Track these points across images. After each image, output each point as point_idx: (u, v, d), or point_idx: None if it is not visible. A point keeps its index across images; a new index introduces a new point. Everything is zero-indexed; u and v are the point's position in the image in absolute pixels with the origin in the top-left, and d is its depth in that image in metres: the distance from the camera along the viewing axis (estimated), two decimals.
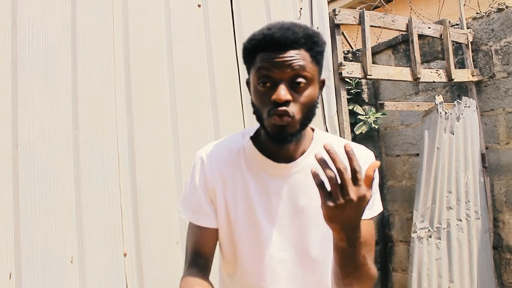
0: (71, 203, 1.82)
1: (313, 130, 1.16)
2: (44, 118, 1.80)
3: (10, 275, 1.65)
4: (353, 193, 0.82)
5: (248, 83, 1.10)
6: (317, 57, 1.03)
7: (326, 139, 1.14)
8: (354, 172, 0.83)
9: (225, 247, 1.16)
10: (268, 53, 0.99)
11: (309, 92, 1.01)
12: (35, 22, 1.84)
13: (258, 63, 1.01)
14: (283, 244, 1.10)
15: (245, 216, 1.11)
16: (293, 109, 0.99)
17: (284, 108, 0.97)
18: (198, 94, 2.23)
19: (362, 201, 0.84)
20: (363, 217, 1.01)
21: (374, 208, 1.13)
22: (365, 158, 1.11)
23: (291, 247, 1.10)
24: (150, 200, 2.00)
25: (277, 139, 1.03)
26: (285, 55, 0.98)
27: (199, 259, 1.11)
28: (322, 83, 1.11)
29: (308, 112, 1.03)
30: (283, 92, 0.97)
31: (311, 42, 1.01)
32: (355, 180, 0.83)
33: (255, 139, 1.13)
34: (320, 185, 0.84)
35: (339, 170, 0.82)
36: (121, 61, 2.04)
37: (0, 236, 1.65)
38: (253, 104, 1.06)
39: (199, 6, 2.32)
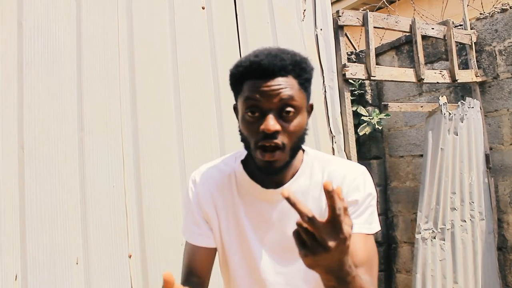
0: (76, 204, 1.82)
1: (303, 151, 1.13)
2: (49, 120, 1.81)
3: (16, 276, 1.65)
4: (331, 239, 0.73)
5: (235, 108, 1.08)
6: (305, 84, 1.01)
7: (316, 161, 1.11)
8: (334, 212, 0.72)
9: (222, 270, 1.17)
10: (256, 81, 0.97)
11: (298, 121, 0.99)
12: (40, 24, 1.84)
13: (245, 92, 0.99)
14: (276, 268, 1.09)
15: (237, 241, 1.11)
16: (283, 140, 0.97)
17: (274, 141, 0.95)
18: (202, 96, 2.23)
19: (343, 244, 0.75)
20: (360, 231, 1.01)
21: (374, 223, 1.06)
22: (356, 182, 1.07)
23: (284, 269, 1.08)
24: (155, 201, 2.01)
25: (266, 173, 1.01)
26: (273, 83, 0.96)
27: (191, 277, 1.11)
28: (310, 108, 1.09)
29: (298, 140, 1.01)
30: (271, 122, 0.94)
31: (299, 69, 0.99)
32: (335, 222, 0.73)
33: (246, 162, 1.12)
34: (294, 234, 0.77)
35: (306, 221, 0.73)
36: (126, 64, 2.04)
37: (6, 237, 1.65)
38: (240, 132, 1.04)
39: (203, 8, 2.33)
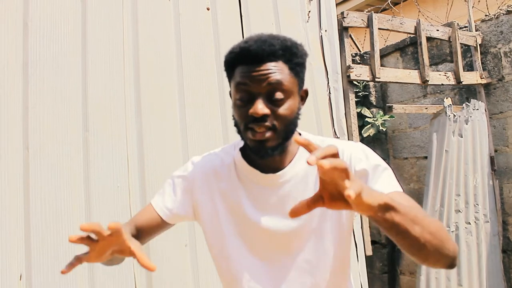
0: (81, 205, 1.83)
1: (300, 134, 1.13)
2: (54, 120, 1.82)
3: (20, 276, 1.66)
4: (342, 164, 0.70)
5: (231, 94, 1.10)
6: (296, 69, 1.02)
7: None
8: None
9: (219, 263, 1.16)
10: (246, 67, 0.99)
11: (288, 105, 1.00)
12: (46, 25, 1.85)
13: (236, 78, 1.01)
14: (276, 250, 1.10)
15: (238, 225, 1.11)
16: (273, 122, 0.98)
17: (262, 123, 0.97)
18: (207, 96, 2.23)
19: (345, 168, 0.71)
20: (391, 190, 0.96)
21: (397, 186, 1.01)
22: (357, 154, 1.06)
23: (287, 253, 1.10)
24: None
25: (258, 154, 1.02)
26: (261, 68, 0.97)
27: (134, 230, 1.12)
28: (305, 94, 1.09)
29: (289, 124, 1.01)
30: (260, 106, 0.96)
31: (289, 54, 1.00)
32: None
33: (245, 150, 1.13)
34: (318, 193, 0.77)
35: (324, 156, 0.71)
36: (131, 64, 2.05)
37: (11, 238, 1.66)
38: (233, 117, 1.06)
39: (208, 9, 2.33)
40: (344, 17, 2.85)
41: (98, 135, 1.91)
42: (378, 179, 1.02)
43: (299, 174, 1.09)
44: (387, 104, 3.70)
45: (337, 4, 3.07)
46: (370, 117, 3.74)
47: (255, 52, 0.97)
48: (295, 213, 0.77)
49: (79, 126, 1.87)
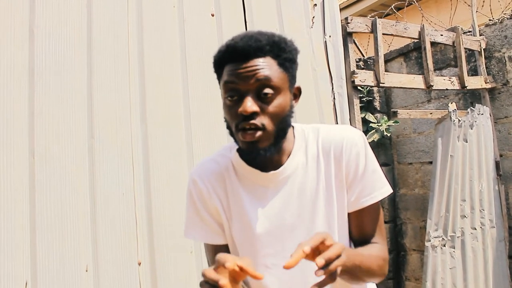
0: (86, 212, 1.83)
1: (293, 127, 1.12)
2: (60, 127, 1.82)
3: (26, 283, 1.65)
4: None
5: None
6: (285, 64, 1.00)
7: (308, 133, 1.12)
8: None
9: None
10: (233, 64, 0.97)
11: (279, 102, 0.98)
12: (52, 32, 1.86)
13: (224, 77, 0.99)
14: (285, 253, 1.07)
15: (244, 230, 1.10)
16: (263, 121, 0.96)
17: (252, 121, 0.95)
18: (212, 103, 2.23)
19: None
20: (367, 203, 1.07)
21: (384, 187, 1.10)
22: (356, 149, 1.09)
23: (285, 251, 1.07)
24: (165, 209, 2.00)
25: (251, 155, 1.00)
26: (248, 64, 0.95)
27: None
28: (298, 92, 1.08)
29: (280, 122, 0.99)
30: (249, 104, 0.94)
31: (277, 49, 0.98)
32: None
33: (241, 150, 1.10)
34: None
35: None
36: (136, 71, 2.05)
37: (17, 245, 1.66)
38: (225, 119, 1.04)
39: (212, 15, 2.34)
40: (348, 23, 2.85)
41: (104, 142, 1.91)
42: (366, 183, 1.08)
43: (299, 167, 1.08)
44: (391, 109, 3.70)
45: (340, 10, 3.07)
46: (375, 122, 3.74)
47: (241, 48, 0.96)
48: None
49: (84, 133, 1.87)
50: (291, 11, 2.63)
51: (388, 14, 5.08)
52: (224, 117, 1.04)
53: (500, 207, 3.32)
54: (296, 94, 1.08)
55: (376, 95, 4.02)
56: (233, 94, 0.98)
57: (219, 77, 1.04)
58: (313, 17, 2.72)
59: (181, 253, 2.01)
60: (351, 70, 2.83)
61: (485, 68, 3.52)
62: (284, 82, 1.00)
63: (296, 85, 1.07)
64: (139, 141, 2.00)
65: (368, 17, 3.23)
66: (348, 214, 1.10)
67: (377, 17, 3.10)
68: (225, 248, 1.14)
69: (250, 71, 0.95)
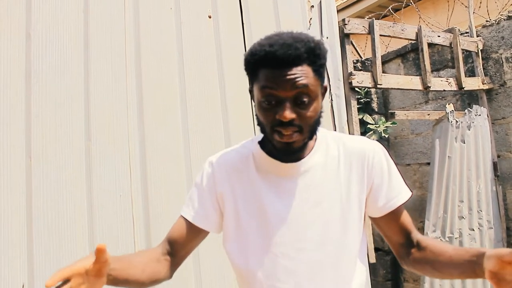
0: (83, 213, 1.82)
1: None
2: (57, 129, 1.82)
3: (23, 285, 1.65)
4: None
5: (251, 91, 1.11)
6: (319, 71, 1.04)
7: (329, 137, 1.18)
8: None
9: (233, 255, 1.16)
10: (271, 71, 0.99)
11: (314, 107, 1.02)
12: (48, 35, 1.86)
13: (262, 81, 1.01)
14: (298, 243, 1.10)
15: (257, 218, 1.13)
16: (299, 123, 1.01)
17: (289, 128, 0.99)
18: (209, 105, 2.23)
19: None
20: (400, 203, 1.16)
21: (407, 189, 1.19)
22: (378, 155, 1.16)
23: (307, 244, 1.10)
24: (162, 211, 2.00)
25: (285, 154, 1.06)
26: (288, 72, 0.98)
27: (167, 245, 1.16)
28: (324, 90, 1.11)
29: (314, 123, 1.05)
30: (287, 112, 0.98)
31: (313, 56, 1.01)
32: None
33: (263, 143, 1.15)
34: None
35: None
36: (133, 73, 2.05)
37: (13, 247, 1.65)
38: (257, 116, 1.08)
39: (209, 17, 2.34)
40: (346, 24, 2.86)
41: (100, 144, 1.91)
42: (394, 185, 1.16)
43: (319, 164, 1.13)
44: (389, 111, 3.70)
45: (337, 11, 3.07)
46: (372, 124, 3.74)
47: (281, 57, 0.98)
48: None
49: (81, 135, 1.87)
50: (288, 12, 2.63)
51: (385, 16, 5.09)
52: (256, 115, 1.08)
53: (498, 208, 3.32)
54: (323, 93, 1.11)
55: (374, 97, 4.02)
56: (271, 99, 1.00)
57: (252, 77, 1.07)
58: (310, 18, 2.72)
59: None
60: (349, 71, 2.83)
61: (482, 69, 3.53)
62: (318, 88, 1.04)
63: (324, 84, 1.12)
64: (136, 143, 2.00)
65: (366, 18, 3.23)
66: (383, 221, 1.18)
67: (374, 18, 3.11)
68: (191, 227, 1.17)
69: (290, 80, 0.98)
